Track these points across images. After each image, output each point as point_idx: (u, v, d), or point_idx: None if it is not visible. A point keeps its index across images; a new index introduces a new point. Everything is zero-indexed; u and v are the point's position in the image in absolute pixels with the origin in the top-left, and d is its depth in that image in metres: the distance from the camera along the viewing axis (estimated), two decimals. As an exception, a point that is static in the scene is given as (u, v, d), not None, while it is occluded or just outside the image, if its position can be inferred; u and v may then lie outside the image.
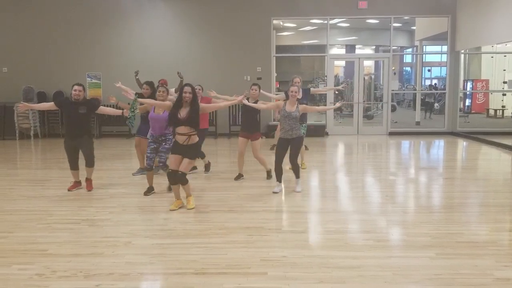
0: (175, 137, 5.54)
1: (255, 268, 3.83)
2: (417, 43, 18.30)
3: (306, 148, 9.30)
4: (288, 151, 6.35)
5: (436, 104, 17.59)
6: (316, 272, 3.74)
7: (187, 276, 3.70)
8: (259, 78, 12.92)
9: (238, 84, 12.33)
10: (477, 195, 6.62)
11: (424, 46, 18.78)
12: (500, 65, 17.41)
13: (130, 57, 13.17)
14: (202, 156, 7.65)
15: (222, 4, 13.12)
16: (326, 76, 13.53)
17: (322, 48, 14.33)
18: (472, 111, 18.14)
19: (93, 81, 13.36)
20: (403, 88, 22.70)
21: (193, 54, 13.18)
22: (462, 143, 12.09)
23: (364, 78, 15.06)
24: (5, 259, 4.08)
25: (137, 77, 8.37)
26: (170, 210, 5.56)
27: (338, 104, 6.91)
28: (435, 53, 20.68)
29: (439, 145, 12.13)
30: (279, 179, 6.50)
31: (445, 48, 13.97)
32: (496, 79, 17.70)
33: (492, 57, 17.64)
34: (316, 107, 8.20)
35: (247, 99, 6.60)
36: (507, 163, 9.56)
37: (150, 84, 7.66)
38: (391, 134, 13.46)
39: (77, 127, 6.47)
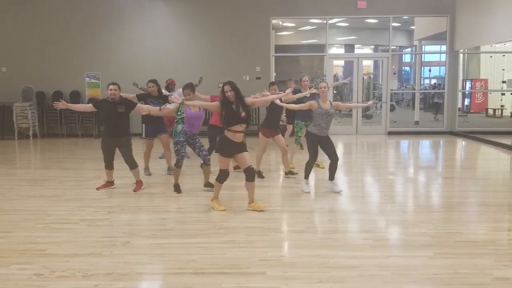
0: (229, 135, 5.41)
1: (254, 268, 3.83)
2: (416, 42, 18.30)
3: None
4: (322, 150, 6.40)
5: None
6: (315, 272, 3.73)
7: (186, 276, 3.70)
8: (258, 78, 12.92)
9: (237, 83, 12.30)
10: (476, 194, 6.62)
11: (423, 46, 18.79)
12: (499, 64, 17.40)
13: (129, 57, 13.17)
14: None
15: (222, 4, 13.11)
16: (325, 75, 13.52)
17: (321, 48, 14.31)
18: (471, 111, 18.13)
19: (92, 81, 13.35)
20: (402, 88, 22.70)
21: (192, 54, 13.17)
22: (461, 143, 12.10)
23: (363, 78, 15.06)
24: (4, 259, 4.07)
25: (139, 87, 8.47)
26: (220, 210, 5.51)
27: (370, 102, 7.37)
28: (434, 52, 20.66)
29: (438, 145, 12.14)
30: (308, 177, 6.49)
31: (444, 47, 13.96)
32: (495, 79, 17.69)
33: (491, 56, 17.63)
34: (348, 104, 8.05)
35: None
36: (506, 163, 9.57)
37: (154, 81, 7.71)
38: (390, 133, 13.46)
39: (117, 127, 6.43)
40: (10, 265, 3.92)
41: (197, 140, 6.47)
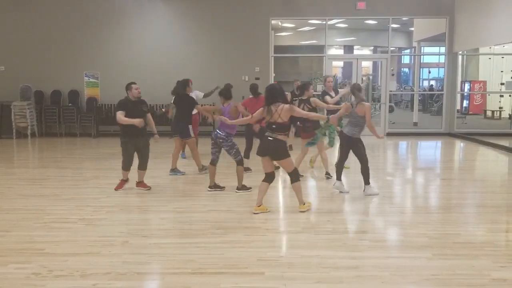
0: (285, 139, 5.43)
1: (253, 268, 3.83)
2: (415, 44, 18.34)
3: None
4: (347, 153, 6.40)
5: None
6: (314, 272, 3.73)
7: (184, 275, 3.70)
8: (257, 78, 12.90)
9: (236, 84, 12.29)
10: (474, 196, 6.63)
11: (422, 47, 18.82)
12: (497, 66, 17.45)
13: (128, 56, 13.17)
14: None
15: (221, 4, 13.11)
16: (323, 76, 13.53)
17: (320, 49, 14.32)
18: (470, 112, 18.16)
19: (91, 80, 13.34)
20: (401, 89, 22.74)
21: (192, 54, 13.17)
22: (459, 144, 12.11)
23: (362, 79, 15.07)
24: (2, 258, 4.06)
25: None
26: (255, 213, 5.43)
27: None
28: (433, 54, 20.71)
29: (436, 146, 12.15)
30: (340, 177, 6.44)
31: (443, 49, 13.98)
32: (494, 81, 17.73)
33: (489, 58, 17.68)
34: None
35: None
36: (504, 164, 9.58)
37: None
38: (389, 134, 13.46)
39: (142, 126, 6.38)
40: (8, 264, 3.92)
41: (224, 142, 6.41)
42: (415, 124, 15.04)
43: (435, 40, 16.22)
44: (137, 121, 6.17)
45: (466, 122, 15.59)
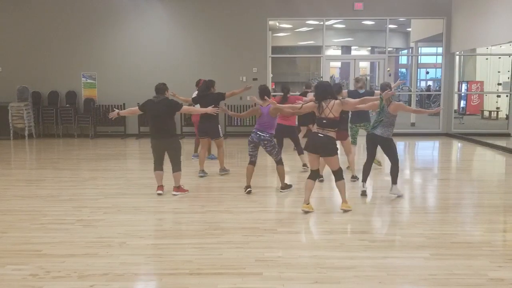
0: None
1: (250, 268, 3.83)
2: (412, 44, 18.36)
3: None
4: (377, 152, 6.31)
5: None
6: (311, 273, 3.74)
7: (182, 276, 3.70)
8: (255, 79, 12.91)
9: (234, 84, 12.31)
10: (471, 196, 6.65)
11: (419, 48, 18.84)
12: (494, 67, 17.48)
13: (126, 57, 13.16)
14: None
15: (219, 4, 13.11)
16: (321, 77, 13.55)
17: (318, 49, 14.35)
18: (467, 113, 18.20)
19: (88, 81, 13.32)
20: (398, 89, 22.72)
21: (189, 54, 13.16)
22: (457, 144, 12.13)
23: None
24: (-1, 259, 4.05)
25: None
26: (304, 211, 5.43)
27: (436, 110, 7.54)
28: (431, 54, 20.76)
29: (434, 146, 12.17)
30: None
31: (440, 49, 14.01)
32: (491, 81, 17.77)
33: (486, 59, 17.71)
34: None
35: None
36: (501, 164, 9.60)
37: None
38: (387, 135, 13.46)
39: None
40: (5, 265, 3.90)
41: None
42: (413, 124, 15.05)
43: (432, 40, 16.25)
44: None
45: (464, 123, 15.61)
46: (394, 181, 6.17)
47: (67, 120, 13.00)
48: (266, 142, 6.33)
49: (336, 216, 5.44)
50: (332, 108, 5.28)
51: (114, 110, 6.43)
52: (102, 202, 6.00)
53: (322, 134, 5.32)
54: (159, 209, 5.71)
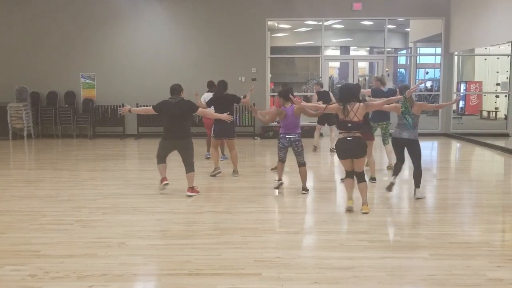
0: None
1: (249, 269, 3.83)
2: (411, 45, 18.37)
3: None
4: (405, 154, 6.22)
5: None
6: (310, 273, 3.74)
7: (181, 277, 3.69)
8: (254, 79, 12.92)
9: (233, 85, 12.28)
10: (470, 196, 6.65)
11: (418, 48, 18.84)
12: (493, 67, 17.49)
13: (124, 57, 13.15)
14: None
15: (217, 5, 13.11)
16: (320, 77, 13.55)
17: (316, 49, 14.35)
18: (466, 113, 18.21)
19: (87, 81, 13.31)
20: (419, 90, 22.68)
21: (188, 55, 13.16)
22: (455, 145, 12.15)
23: (358, 80, 15.09)
24: (-2, 260, 4.05)
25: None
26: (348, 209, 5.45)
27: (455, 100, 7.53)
28: (429, 55, 20.75)
29: (432, 147, 12.18)
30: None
31: (439, 50, 14.02)
32: (489, 81, 17.79)
33: (485, 59, 17.72)
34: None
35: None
36: (500, 165, 9.62)
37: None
38: (385, 135, 13.48)
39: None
40: (4, 266, 3.90)
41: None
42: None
43: (431, 40, 16.26)
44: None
45: (462, 123, 15.63)
46: (418, 184, 6.09)
47: (66, 120, 12.99)
48: (297, 142, 6.32)
49: (335, 216, 5.44)
50: (357, 112, 5.27)
51: (125, 106, 6.46)
52: (101, 203, 5.99)
53: (351, 137, 5.31)
54: (158, 209, 5.70)
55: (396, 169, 6.25)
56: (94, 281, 3.59)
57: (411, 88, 6.26)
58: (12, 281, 3.61)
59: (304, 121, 8.92)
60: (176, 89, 6.24)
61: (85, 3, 13.12)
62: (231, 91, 7.86)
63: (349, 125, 5.29)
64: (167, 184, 6.33)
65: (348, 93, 5.41)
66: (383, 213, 5.64)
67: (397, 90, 7.32)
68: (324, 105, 5.65)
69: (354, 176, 5.52)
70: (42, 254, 4.17)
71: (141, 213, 5.57)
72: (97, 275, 3.71)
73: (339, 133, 5.47)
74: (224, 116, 6.50)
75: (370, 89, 8.27)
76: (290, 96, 6.15)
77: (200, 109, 6.51)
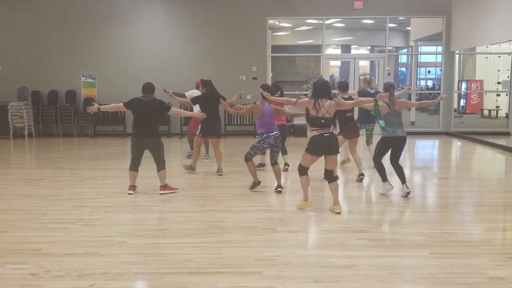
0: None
1: (250, 267, 3.83)
2: (412, 43, 18.35)
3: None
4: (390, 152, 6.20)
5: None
6: (311, 272, 3.74)
7: (182, 275, 3.70)
8: (254, 78, 12.93)
9: (233, 83, 12.33)
10: (471, 194, 6.65)
11: (419, 47, 18.83)
12: (494, 65, 17.48)
13: (125, 56, 13.16)
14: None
15: (218, 3, 13.11)
16: (321, 76, 13.54)
17: (317, 48, 14.34)
18: (467, 112, 18.20)
19: (88, 80, 13.32)
20: (398, 89, 22.70)
21: (189, 54, 13.16)
22: (456, 143, 12.14)
23: (359, 78, 15.05)
24: (-1, 258, 4.05)
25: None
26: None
27: (440, 98, 7.09)
28: (430, 53, 20.75)
29: (433, 145, 12.18)
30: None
31: (440, 48, 14.01)
32: (491, 80, 17.78)
33: (486, 57, 17.71)
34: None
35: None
36: (501, 163, 9.61)
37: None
38: (386, 134, 13.47)
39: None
40: (5, 264, 3.90)
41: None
42: (412, 123, 15.05)
43: (432, 39, 16.24)
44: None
45: (463, 121, 15.62)
46: (404, 180, 6.14)
47: (66, 119, 13.00)
48: (279, 138, 6.44)
49: (336, 215, 5.44)
50: (329, 109, 5.26)
51: (93, 104, 6.42)
52: (102, 201, 6.00)
53: (328, 133, 5.30)
54: (159, 208, 5.71)
55: (400, 176, 6.21)
56: (95, 280, 3.60)
57: (400, 92, 6.28)
58: (13, 280, 3.61)
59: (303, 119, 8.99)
60: (148, 88, 6.24)
61: (86, 2, 13.12)
62: (231, 90, 7.88)
63: (323, 121, 5.26)
64: (131, 193, 6.21)
65: (323, 88, 5.35)
66: (383, 211, 5.64)
67: (379, 93, 7.39)
68: (295, 99, 5.59)
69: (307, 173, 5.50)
70: (43, 252, 4.17)
71: (142, 212, 5.58)
72: (98, 273, 3.71)
73: (312, 130, 5.42)
74: (197, 114, 6.69)
75: (356, 91, 8.27)
76: (260, 90, 6.13)
77: (172, 108, 6.49)
